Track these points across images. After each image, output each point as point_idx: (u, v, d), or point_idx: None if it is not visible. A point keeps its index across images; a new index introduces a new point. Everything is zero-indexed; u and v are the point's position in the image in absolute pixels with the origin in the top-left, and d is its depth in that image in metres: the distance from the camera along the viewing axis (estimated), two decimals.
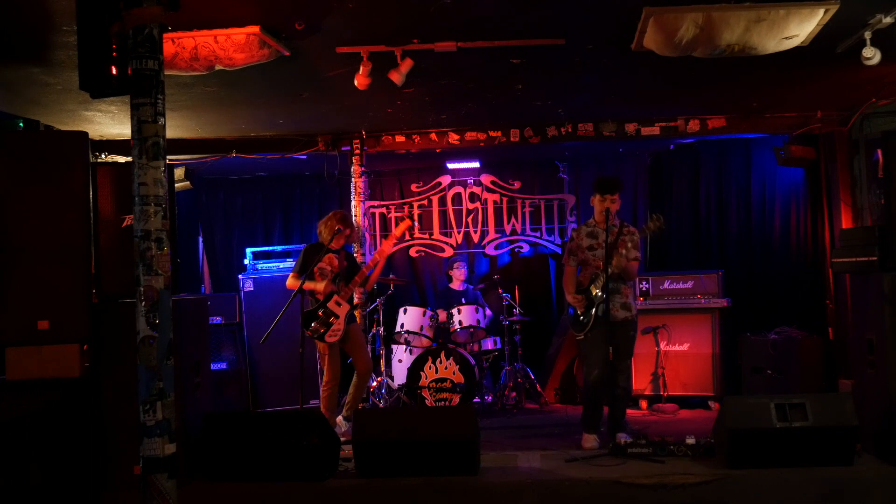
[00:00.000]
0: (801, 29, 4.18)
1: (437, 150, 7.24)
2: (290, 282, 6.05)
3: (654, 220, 5.27)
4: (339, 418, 6.17)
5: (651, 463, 4.86)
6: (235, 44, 4.29)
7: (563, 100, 6.20)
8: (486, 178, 8.43)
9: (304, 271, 5.98)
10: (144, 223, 3.18)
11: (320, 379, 7.64)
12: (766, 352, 6.65)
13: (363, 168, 7.11)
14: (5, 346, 4.59)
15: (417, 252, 8.50)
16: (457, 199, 8.50)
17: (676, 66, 4.89)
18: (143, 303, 3.16)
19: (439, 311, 7.23)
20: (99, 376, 4.74)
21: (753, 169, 7.78)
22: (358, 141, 7.08)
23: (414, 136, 7.11)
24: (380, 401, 7.01)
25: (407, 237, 8.52)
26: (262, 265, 7.72)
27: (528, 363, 7.46)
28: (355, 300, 6.20)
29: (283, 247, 8.02)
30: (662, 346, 7.01)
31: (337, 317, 5.93)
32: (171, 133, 4.17)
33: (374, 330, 7.36)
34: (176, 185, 7.19)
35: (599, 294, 5.38)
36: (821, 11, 4.05)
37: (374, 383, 7.07)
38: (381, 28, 4.44)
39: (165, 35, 3.44)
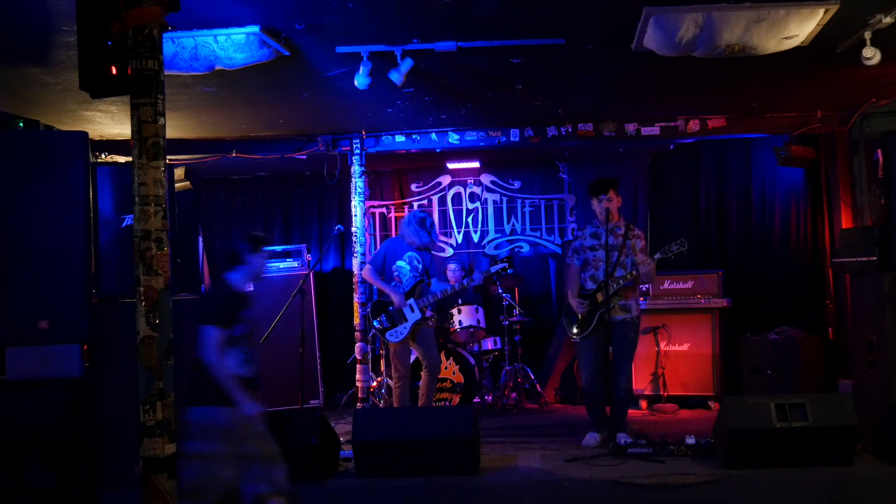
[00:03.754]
0: (801, 29, 4.17)
1: (437, 150, 7.24)
2: (366, 273, 6.13)
3: (678, 243, 5.34)
4: None
5: (651, 463, 4.86)
6: (235, 44, 4.29)
7: (563, 100, 6.20)
8: (486, 178, 8.43)
9: (383, 266, 5.99)
10: (144, 223, 3.17)
11: (321, 379, 7.68)
12: (766, 352, 6.65)
13: (363, 168, 7.10)
14: (5, 346, 4.59)
15: None
16: (457, 199, 8.50)
17: (676, 66, 4.89)
18: (143, 303, 3.15)
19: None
20: (99, 376, 4.74)
21: (753, 169, 7.78)
22: (358, 141, 7.08)
23: (414, 137, 7.11)
24: (380, 401, 7.01)
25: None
26: None
27: (528, 363, 7.46)
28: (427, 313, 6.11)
29: (283, 247, 8.02)
30: (662, 346, 7.01)
31: (406, 321, 5.90)
32: (171, 133, 4.17)
33: (373, 329, 7.35)
34: (176, 185, 7.18)
35: (604, 300, 5.39)
36: (821, 11, 4.05)
37: (374, 383, 7.07)
38: (381, 28, 4.44)
39: (165, 35, 3.44)
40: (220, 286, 3.95)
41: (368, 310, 6.14)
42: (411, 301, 5.90)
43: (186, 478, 3.43)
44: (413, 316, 5.88)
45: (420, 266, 6.04)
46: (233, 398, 3.65)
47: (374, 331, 6.27)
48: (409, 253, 6.04)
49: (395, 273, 6.01)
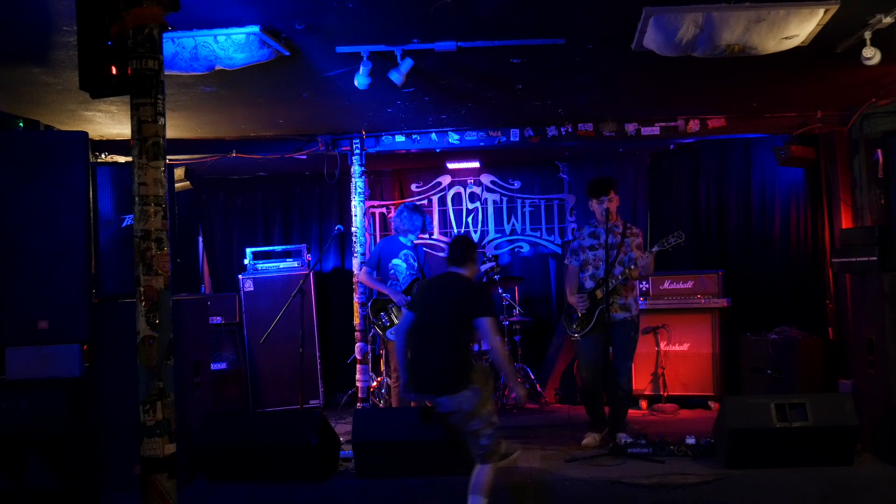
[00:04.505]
0: (801, 29, 4.18)
1: (437, 150, 7.24)
2: (361, 276, 6.12)
3: (675, 236, 5.33)
4: None
5: (651, 463, 4.86)
6: (235, 44, 4.29)
7: (563, 100, 6.20)
8: (486, 178, 8.43)
9: (378, 265, 6.01)
10: (144, 223, 3.17)
11: (321, 379, 7.68)
12: (766, 352, 6.64)
13: (363, 168, 7.10)
14: (5, 346, 4.59)
15: None
16: (457, 199, 8.50)
17: (676, 66, 4.89)
18: (143, 303, 3.15)
19: None
20: (99, 376, 4.74)
21: (753, 169, 7.77)
22: (358, 141, 7.08)
23: (414, 137, 7.11)
24: (380, 401, 7.01)
25: None
26: (262, 265, 7.72)
27: (528, 363, 7.45)
28: None
29: (283, 247, 8.02)
30: (662, 346, 7.00)
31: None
32: (171, 133, 4.18)
33: (373, 329, 7.36)
34: (176, 185, 7.19)
35: (603, 297, 5.39)
36: (821, 11, 4.06)
37: (374, 383, 7.07)
38: (381, 28, 4.44)
39: (165, 35, 3.44)
40: (468, 280, 4.46)
41: (368, 309, 6.14)
42: (409, 298, 5.91)
43: (489, 444, 4.12)
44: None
45: (416, 263, 6.07)
46: (514, 379, 4.58)
47: (374, 330, 6.26)
48: (405, 251, 6.06)
49: (392, 272, 6.02)
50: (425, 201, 8.51)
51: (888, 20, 4.27)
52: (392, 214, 8.48)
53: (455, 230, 8.47)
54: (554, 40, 4.60)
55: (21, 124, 5.89)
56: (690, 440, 5.04)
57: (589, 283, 5.58)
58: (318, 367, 7.69)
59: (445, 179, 8.49)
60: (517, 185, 8.41)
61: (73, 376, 4.57)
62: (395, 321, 5.89)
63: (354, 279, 6.95)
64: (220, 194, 8.72)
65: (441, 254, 8.42)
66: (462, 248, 4.52)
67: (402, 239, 6.14)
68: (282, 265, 7.71)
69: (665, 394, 6.91)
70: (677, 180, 8.18)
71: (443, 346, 4.19)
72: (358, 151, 7.08)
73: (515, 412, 7.07)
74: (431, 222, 8.34)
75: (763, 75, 5.50)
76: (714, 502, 4.46)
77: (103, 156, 6.93)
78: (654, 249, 5.39)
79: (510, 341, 7.31)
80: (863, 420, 4.65)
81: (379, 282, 6.07)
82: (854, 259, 5.18)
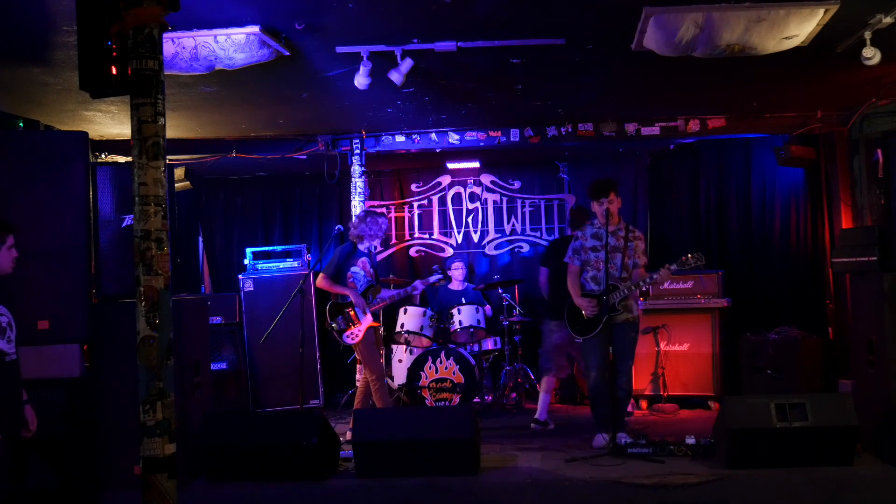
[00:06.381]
0: (801, 29, 4.18)
1: (437, 150, 7.24)
2: (321, 282, 6.09)
3: (695, 258, 5.28)
4: None
5: (651, 463, 4.86)
6: (235, 44, 4.29)
7: (563, 100, 6.20)
8: (486, 178, 8.43)
9: (337, 274, 6.00)
10: (144, 223, 3.17)
11: (321, 379, 7.68)
12: (766, 352, 6.64)
13: (363, 168, 7.10)
14: None
15: (417, 252, 8.51)
16: (457, 199, 8.50)
17: (676, 66, 4.89)
18: (143, 303, 3.15)
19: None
20: (99, 376, 4.74)
21: (753, 169, 7.77)
22: (358, 141, 7.08)
23: (414, 137, 7.11)
24: None
25: (407, 237, 8.54)
26: (262, 265, 7.72)
27: (528, 363, 7.45)
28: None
29: (283, 247, 8.02)
30: (662, 346, 7.00)
31: (360, 324, 5.94)
32: (171, 133, 4.17)
33: (330, 329, 7.32)
34: (176, 185, 7.19)
35: (613, 304, 5.37)
36: (821, 11, 4.06)
37: None
38: (381, 28, 4.44)
39: (165, 35, 3.44)
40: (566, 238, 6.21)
41: (326, 312, 6.11)
42: (368, 298, 6.00)
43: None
44: (366, 319, 5.93)
45: (372, 269, 6.10)
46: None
47: (330, 330, 6.22)
48: (363, 258, 6.07)
49: (351, 280, 6.03)
50: (425, 201, 8.51)
51: (888, 20, 4.28)
52: (392, 214, 8.48)
53: (455, 230, 8.47)
54: (554, 40, 4.61)
55: (21, 124, 5.89)
56: (690, 440, 5.04)
57: (590, 285, 5.56)
58: (318, 367, 7.68)
59: (445, 179, 8.49)
60: (517, 185, 8.41)
61: (73, 376, 4.57)
62: (353, 325, 5.90)
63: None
64: (220, 194, 8.72)
65: (441, 254, 8.43)
66: (575, 217, 6.46)
67: (360, 247, 6.09)
68: (282, 265, 7.71)
69: (665, 394, 6.91)
70: (677, 180, 8.17)
71: (562, 287, 5.71)
72: (358, 151, 7.09)
73: (515, 412, 7.07)
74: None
75: (763, 75, 5.50)
76: (714, 502, 4.45)
77: (103, 156, 6.94)
78: (672, 267, 5.28)
79: (510, 341, 7.31)
80: (863, 420, 4.65)
81: (339, 286, 6.04)
82: (854, 259, 5.17)
